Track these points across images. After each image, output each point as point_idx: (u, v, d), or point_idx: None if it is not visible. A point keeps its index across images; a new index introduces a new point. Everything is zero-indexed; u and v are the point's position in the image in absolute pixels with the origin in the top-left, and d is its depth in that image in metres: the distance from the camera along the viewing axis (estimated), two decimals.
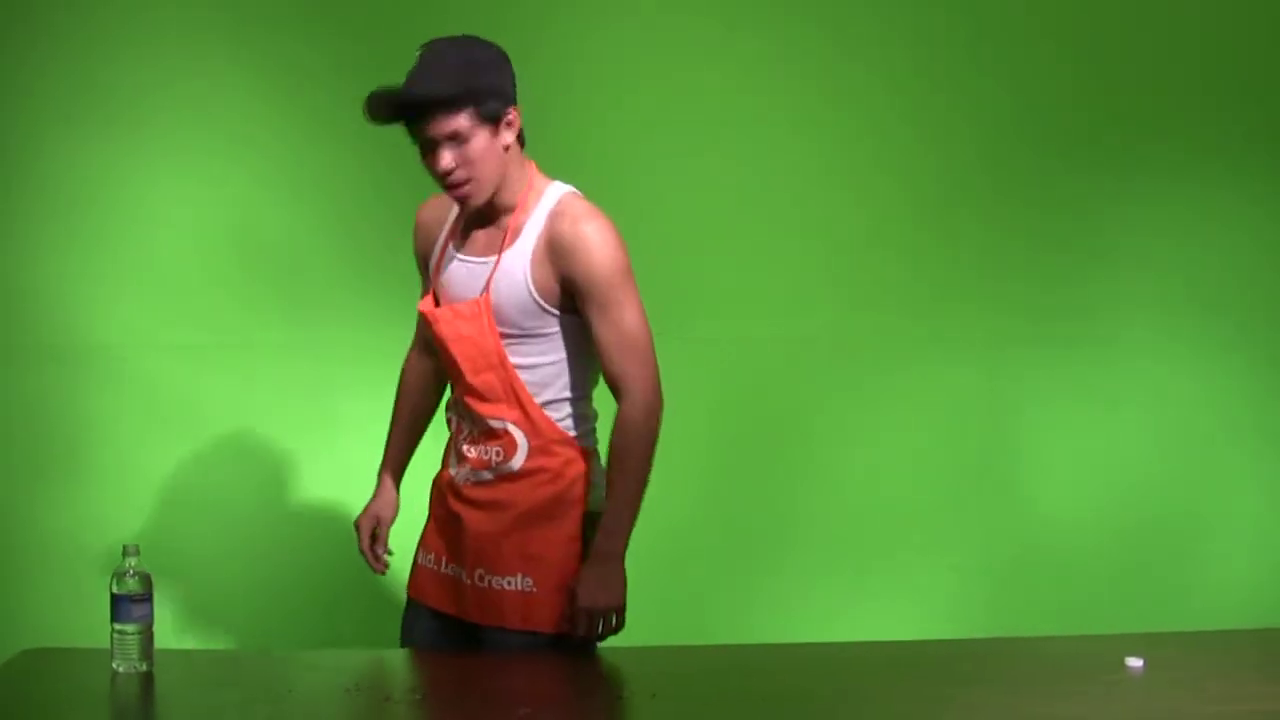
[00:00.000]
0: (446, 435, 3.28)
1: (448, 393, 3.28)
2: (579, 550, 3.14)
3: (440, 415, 3.35)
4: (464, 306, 3.12)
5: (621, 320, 3.09)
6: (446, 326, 3.14)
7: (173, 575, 3.81)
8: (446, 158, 3.03)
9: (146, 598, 2.92)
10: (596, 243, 3.06)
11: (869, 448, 4.35)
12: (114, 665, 2.92)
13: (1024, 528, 4.39)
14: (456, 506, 3.20)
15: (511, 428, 3.12)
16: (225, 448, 4.09)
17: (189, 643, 3.95)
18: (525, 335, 3.11)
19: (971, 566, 4.35)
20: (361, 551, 3.37)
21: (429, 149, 3.05)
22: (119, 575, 2.92)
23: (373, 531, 3.38)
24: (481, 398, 3.13)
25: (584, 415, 3.20)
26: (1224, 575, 4.43)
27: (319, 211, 4.14)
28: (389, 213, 4.13)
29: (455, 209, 3.21)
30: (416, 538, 3.33)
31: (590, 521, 3.15)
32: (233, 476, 4.10)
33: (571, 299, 3.09)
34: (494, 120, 3.06)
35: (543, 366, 3.13)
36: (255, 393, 4.09)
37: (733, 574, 4.25)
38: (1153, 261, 4.43)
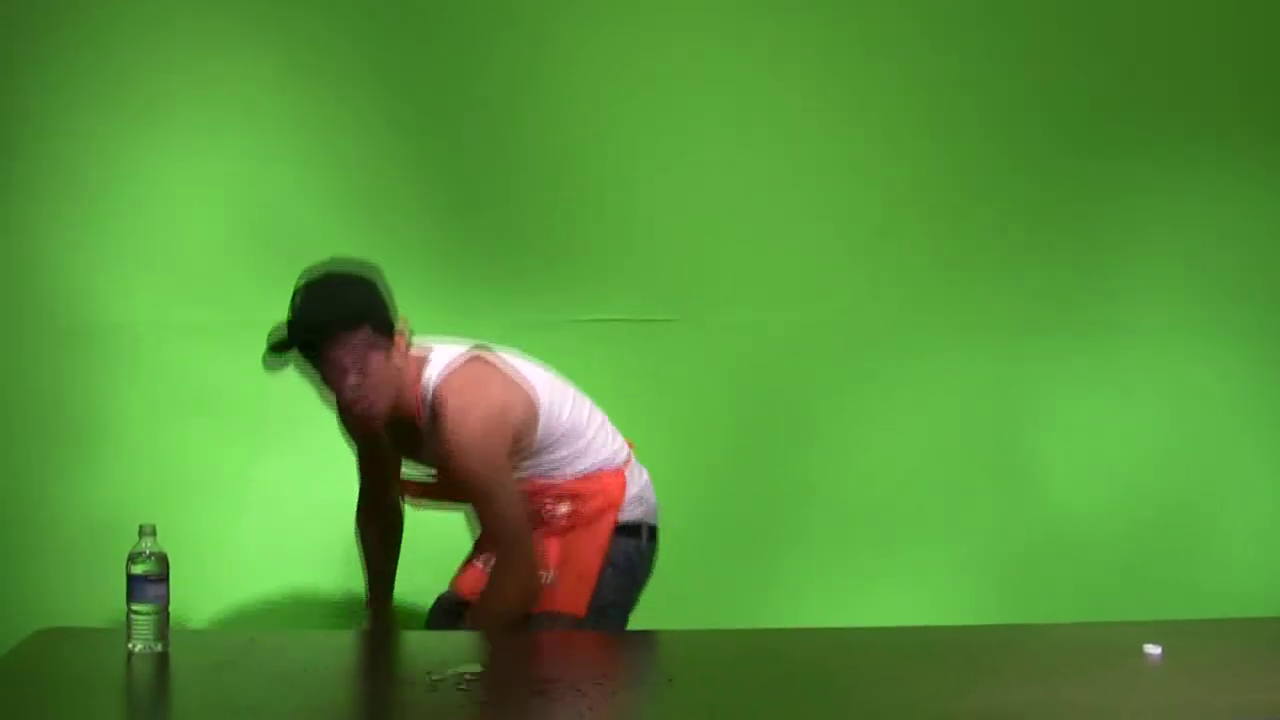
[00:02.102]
0: None
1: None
2: (605, 550, 3.32)
3: None
4: (432, 489, 3.36)
5: (488, 508, 3.22)
6: (432, 500, 3.42)
7: (189, 555, 3.79)
8: (343, 386, 3.16)
9: (163, 578, 2.93)
10: (459, 429, 3.15)
11: (884, 434, 4.34)
12: (130, 645, 2.92)
13: (1038, 515, 4.38)
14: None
15: (548, 511, 3.33)
16: (242, 427, 4.09)
17: (205, 623, 3.96)
18: (497, 475, 3.21)
19: (985, 554, 4.34)
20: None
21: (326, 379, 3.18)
22: (135, 555, 2.92)
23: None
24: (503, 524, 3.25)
25: (602, 445, 3.37)
26: (1238, 564, 4.42)
27: (334, 190, 4.14)
28: (404, 189, 4.14)
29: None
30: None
31: (620, 530, 3.34)
32: (250, 456, 4.10)
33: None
34: (378, 343, 3.15)
35: (543, 464, 3.33)
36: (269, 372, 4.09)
37: (748, 559, 4.25)
38: (1168, 249, 4.42)
